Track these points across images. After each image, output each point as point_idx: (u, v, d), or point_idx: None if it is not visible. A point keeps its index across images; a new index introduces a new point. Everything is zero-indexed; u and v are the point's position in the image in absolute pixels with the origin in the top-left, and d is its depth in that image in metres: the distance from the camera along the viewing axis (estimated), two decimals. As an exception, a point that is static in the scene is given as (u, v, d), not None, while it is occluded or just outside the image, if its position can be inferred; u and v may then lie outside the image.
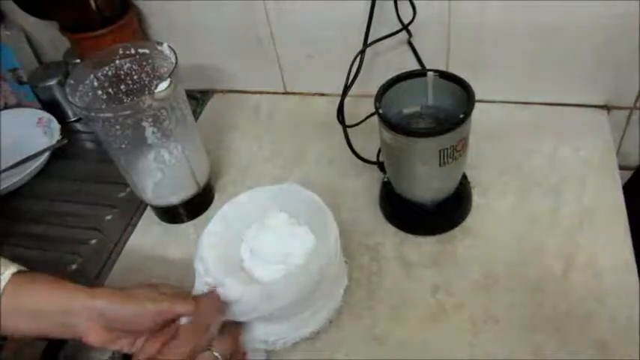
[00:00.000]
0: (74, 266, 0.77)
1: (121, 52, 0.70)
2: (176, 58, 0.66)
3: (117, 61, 0.70)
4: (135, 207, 0.82)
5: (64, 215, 0.85)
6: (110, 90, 0.71)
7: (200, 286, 0.55)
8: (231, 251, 0.61)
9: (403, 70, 0.65)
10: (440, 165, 0.61)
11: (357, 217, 0.73)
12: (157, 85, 0.63)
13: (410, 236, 0.70)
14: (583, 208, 0.70)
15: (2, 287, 0.49)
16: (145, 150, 0.69)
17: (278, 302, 0.53)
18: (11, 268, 0.51)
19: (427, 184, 0.66)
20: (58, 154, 0.93)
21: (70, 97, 0.65)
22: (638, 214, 0.70)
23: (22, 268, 0.52)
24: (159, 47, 0.69)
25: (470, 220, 0.71)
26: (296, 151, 0.84)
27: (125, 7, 0.87)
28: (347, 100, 0.73)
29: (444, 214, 0.71)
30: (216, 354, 0.51)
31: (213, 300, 0.53)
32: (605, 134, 0.79)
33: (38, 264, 0.78)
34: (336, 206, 0.62)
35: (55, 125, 0.94)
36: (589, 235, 0.67)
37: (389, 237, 0.71)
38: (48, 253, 0.79)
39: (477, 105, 0.60)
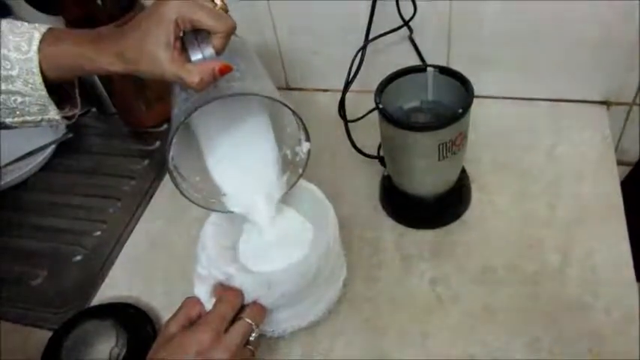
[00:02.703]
0: (78, 257, 0.78)
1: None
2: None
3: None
4: (139, 199, 0.83)
5: (68, 207, 0.86)
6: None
7: (200, 272, 0.57)
8: (232, 241, 0.62)
9: (404, 66, 0.66)
10: (439, 159, 0.62)
11: (358, 210, 0.74)
12: None
13: (409, 230, 0.71)
14: (581, 203, 0.70)
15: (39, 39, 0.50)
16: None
17: (278, 291, 0.54)
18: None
19: (427, 178, 0.67)
20: (63, 147, 0.94)
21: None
22: (636, 210, 0.71)
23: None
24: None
25: (468, 214, 0.72)
26: (298, 146, 0.85)
27: (130, 3, 0.88)
28: (348, 95, 0.73)
29: (443, 208, 0.71)
30: (249, 320, 0.53)
31: (236, 296, 0.54)
32: (604, 130, 0.79)
33: (43, 255, 0.79)
34: (337, 200, 0.63)
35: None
36: (586, 229, 0.67)
37: (388, 230, 0.72)
38: (53, 244, 0.81)
39: (476, 100, 0.61)
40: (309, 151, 0.59)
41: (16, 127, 0.53)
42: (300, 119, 0.55)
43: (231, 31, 0.48)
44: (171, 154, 0.53)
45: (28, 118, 0.52)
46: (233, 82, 0.51)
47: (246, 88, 0.52)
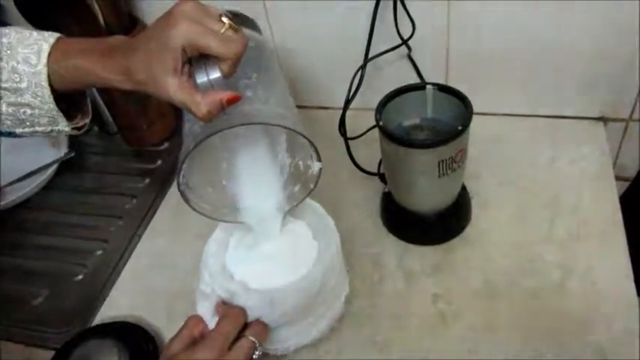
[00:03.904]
0: (80, 276, 0.78)
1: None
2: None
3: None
4: (140, 218, 0.83)
5: (70, 226, 0.86)
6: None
7: (203, 290, 0.57)
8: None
9: (403, 84, 0.67)
10: (439, 176, 0.63)
11: (359, 227, 0.75)
12: None
13: (410, 246, 0.71)
14: (580, 218, 0.71)
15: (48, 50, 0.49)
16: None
17: (281, 309, 0.55)
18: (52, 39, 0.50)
19: (427, 194, 0.68)
20: (65, 166, 0.95)
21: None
22: (635, 225, 0.71)
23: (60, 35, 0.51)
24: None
25: (469, 230, 0.72)
26: (299, 163, 0.85)
27: (132, 23, 0.89)
28: (349, 113, 0.74)
29: (443, 224, 0.72)
30: (252, 339, 0.53)
31: (239, 314, 0.54)
32: (601, 146, 0.80)
33: (44, 274, 0.79)
34: (338, 217, 0.63)
35: (63, 138, 0.96)
36: (586, 244, 0.68)
37: (390, 247, 0.72)
38: (54, 263, 0.81)
39: (475, 117, 0.61)
40: (320, 170, 0.59)
41: (27, 136, 0.53)
42: (311, 142, 0.54)
43: (240, 56, 0.47)
44: (182, 173, 0.53)
45: (38, 128, 0.52)
46: (241, 106, 0.50)
47: (254, 115, 0.51)
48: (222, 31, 0.46)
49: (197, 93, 0.46)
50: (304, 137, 0.54)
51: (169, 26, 0.45)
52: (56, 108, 0.50)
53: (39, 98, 0.49)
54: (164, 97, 0.47)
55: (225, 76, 0.47)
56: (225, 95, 0.47)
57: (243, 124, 0.50)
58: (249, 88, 0.52)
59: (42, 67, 0.48)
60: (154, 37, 0.46)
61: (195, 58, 0.47)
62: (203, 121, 0.47)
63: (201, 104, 0.46)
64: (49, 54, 0.49)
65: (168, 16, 0.46)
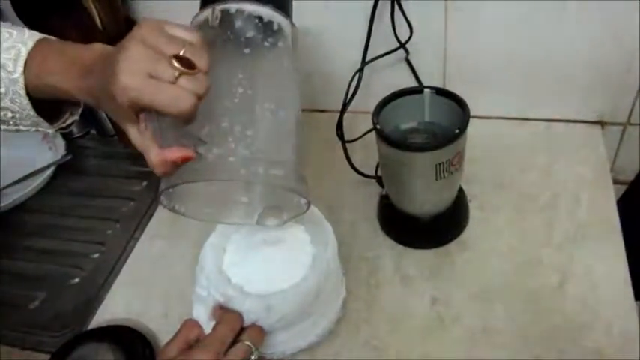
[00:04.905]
0: (77, 280, 0.78)
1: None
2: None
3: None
4: (137, 221, 0.83)
5: (67, 229, 0.86)
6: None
7: (200, 293, 0.56)
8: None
9: (401, 87, 0.67)
10: (436, 179, 0.63)
11: (356, 230, 0.74)
12: None
13: (408, 249, 0.71)
14: (578, 222, 0.71)
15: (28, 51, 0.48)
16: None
17: (278, 312, 0.54)
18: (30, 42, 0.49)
19: (424, 197, 0.67)
20: (62, 169, 0.95)
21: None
22: (632, 228, 0.71)
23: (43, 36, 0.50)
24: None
25: (467, 234, 0.72)
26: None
27: (130, 26, 0.88)
28: (346, 116, 0.74)
29: (441, 228, 0.72)
30: (248, 343, 0.52)
31: (236, 319, 0.54)
32: (599, 149, 0.80)
33: (41, 278, 0.79)
34: (336, 220, 0.63)
35: (60, 141, 0.96)
36: (584, 248, 0.68)
37: (387, 250, 0.72)
38: (51, 267, 0.80)
39: (473, 121, 0.61)
40: (308, 203, 0.54)
41: (12, 133, 0.53)
42: (290, 189, 0.50)
43: (192, 112, 0.42)
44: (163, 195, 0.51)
45: (22, 128, 0.52)
46: (213, 148, 0.46)
47: (218, 165, 0.46)
48: (176, 76, 0.41)
49: (153, 146, 0.45)
50: (283, 188, 0.50)
51: (112, 79, 0.41)
52: (36, 115, 0.50)
53: (17, 104, 0.49)
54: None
55: (180, 127, 0.44)
56: (178, 156, 0.44)
57: (203, 180, 0.47)
58: (226, 115, 0.47)
59: (18, 76, 0.48)
60: (103, 86, 0.43)
61: None
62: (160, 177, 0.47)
63: (157, 164, 0.45)
64: (27, 60, 0.48)
65: (111, 62, 0.42)
